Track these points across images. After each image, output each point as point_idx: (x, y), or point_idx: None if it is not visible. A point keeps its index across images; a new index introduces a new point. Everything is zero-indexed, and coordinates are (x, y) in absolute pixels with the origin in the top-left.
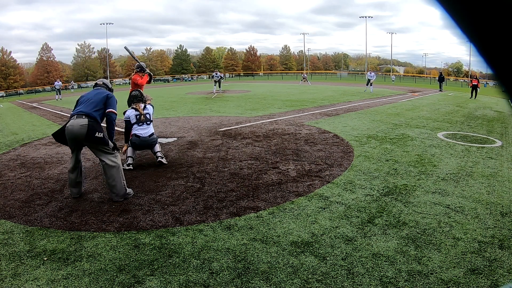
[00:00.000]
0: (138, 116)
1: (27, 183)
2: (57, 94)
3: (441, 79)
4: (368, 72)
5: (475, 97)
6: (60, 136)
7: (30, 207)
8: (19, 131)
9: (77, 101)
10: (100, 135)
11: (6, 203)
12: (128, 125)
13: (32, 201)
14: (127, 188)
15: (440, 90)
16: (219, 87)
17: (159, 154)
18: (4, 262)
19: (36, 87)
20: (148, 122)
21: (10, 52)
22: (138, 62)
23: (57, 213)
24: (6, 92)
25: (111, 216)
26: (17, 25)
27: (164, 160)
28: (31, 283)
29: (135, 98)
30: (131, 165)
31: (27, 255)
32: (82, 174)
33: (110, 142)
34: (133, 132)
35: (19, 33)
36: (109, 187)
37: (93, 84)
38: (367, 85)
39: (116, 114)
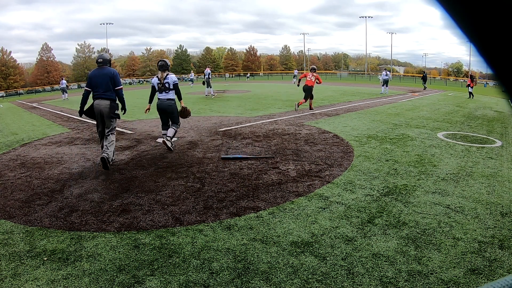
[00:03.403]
0: (159, 85)
1: (27, 183)
2: (63, 93)
3: (424, 78)
4: (384, 72)
5: (472, 96)
6: (88, 112)
7: (30, 207)
8: (19, 131)
9: (91, 79)
10: (117, 112)
11: (6, 203)
12: (153, 90)
13: (32, 201)
14: (114, 156)
15: (424, 88)
16: (208, 86)
17: (168, 134)
18: (4, 262)
19: (36, 87)
20: (167, 91)
21: (10, 52)
22: None
23: (57, 213)
24: (6, 92)
25: (111, 216)
26: (17, 25)
27: (169, 144)
28: (31, 283)
29: (161, 68)
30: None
31: (27, 255)
32: (106, 143)
33: (124, 107)
34: (157, 97)
35: (19, 33)
36: (105, 149)
37: (96, 59)
38: (383, 85)
39: (122, 89)
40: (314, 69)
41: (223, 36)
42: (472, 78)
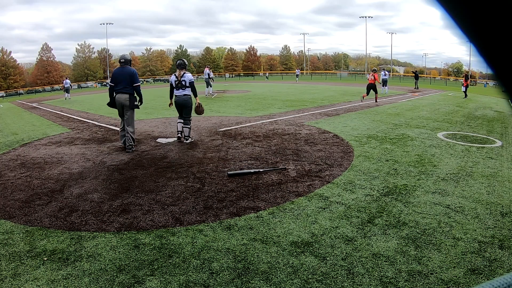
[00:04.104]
0: (176, 82)
1: (27, 183)
2: (66, 93)
3: (416, 77)
4: (382, 72)
5: (465, 96)
6: (111, 103)
7: (30, 207)
8: (19, 131)
9: (114, 76)
10: (135, 103)
11: (6, 203)
12: (171, 87)
13: (32, 201)
14: (135, 141)
15: (415, 88)
16: (208, 86)
17: (185, 135)
18: (4, 262)
19: (36, 87)
20: (184, 88)
21: (10, 52)
22: None
23: (57, 213)
24: (6, 92)
25: (111, 216)
26: (17, 25)
27: (189, 140)
28: (31, 283)
29: (179, 66)
30: (179, 135)
31: (27, 255)
32: (129, 131)
33: (141, 100)
34: (174, 93)
35: (20, 33)
36: (127, 136)
37: (119, 59)
38: (383, 86)
39: (139, 85)
40: (375, 70)
41: (223, 36)
42: (466, 77)
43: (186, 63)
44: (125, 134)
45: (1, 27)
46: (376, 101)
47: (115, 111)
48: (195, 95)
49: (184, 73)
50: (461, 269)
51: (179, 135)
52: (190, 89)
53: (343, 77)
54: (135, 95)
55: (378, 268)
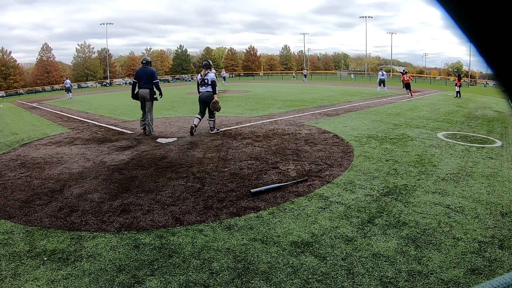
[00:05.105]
0: (200, 80)
1: (27, 183)
2: (67, 93)
3: None
4: (380, 72)
5: (459, 96)
6: (135, 96)
7: (30, 207)
8: (19, 131)
9: (137, 74)
10: (155, 96)
11: (6, 203)
12: (197, 84)
13: (32, 201)
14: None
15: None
16: None
17: (211, 126)
18: (4, 262)
19: (36, 87)
20: (206, 85)
21: (10, 52)
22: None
23: (57, 213)
24: (6, 92)
25: (111, 216)
26: (17, 25)
27: (214, 131)
28: (31, 283)
29: (204, 66)
30: (194, 128)
31: (27, 255)
32: (148, 119)
33: (161, 93)
34: (199, 90)
35: (20, 33)
36: (147, 125)
37: (141, 61)
38: (379, 85)
39: (158, 82)
40: (406, 72)
41: (223, 36)
42: (459, 77)
43: (211, 63)
44: (146, 122)
45: (1, 27)
46: (411, 96)
47: (115, 111)
48: (214, 93)
49: (207, 72)
50: (461, 269)
51: (192, 129)
52: (211, 86)
53: (343, 77)
54: (155, 89)
55: (378, 268)
